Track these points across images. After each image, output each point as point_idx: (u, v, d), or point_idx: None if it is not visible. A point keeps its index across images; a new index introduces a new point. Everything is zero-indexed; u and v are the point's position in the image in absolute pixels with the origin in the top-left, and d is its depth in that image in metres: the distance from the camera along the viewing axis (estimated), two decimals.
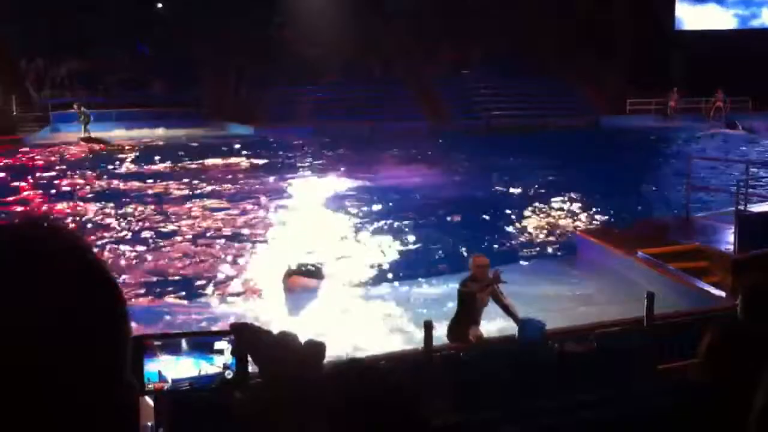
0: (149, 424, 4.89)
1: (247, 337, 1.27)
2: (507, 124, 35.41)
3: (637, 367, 7.75)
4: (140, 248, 15.31)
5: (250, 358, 1.31)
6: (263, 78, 36.88)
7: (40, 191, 21.24)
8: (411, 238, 16.18)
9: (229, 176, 23.61)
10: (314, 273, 12.99)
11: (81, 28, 35.11)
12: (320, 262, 13.58)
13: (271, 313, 11.56)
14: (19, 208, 19.16)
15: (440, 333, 8.58)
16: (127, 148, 29.69)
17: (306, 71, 36.97)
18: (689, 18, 44.11)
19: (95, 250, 0.85)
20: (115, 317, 0.82)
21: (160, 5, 40.86)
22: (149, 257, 14.87)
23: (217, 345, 1.46)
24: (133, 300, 11.64)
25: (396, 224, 17.26)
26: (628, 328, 8.44)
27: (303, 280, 12.76)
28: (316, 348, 1.25)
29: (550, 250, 15.66)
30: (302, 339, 1.26)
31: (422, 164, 24.95)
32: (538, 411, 6.75)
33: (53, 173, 24.09)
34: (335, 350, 9.02)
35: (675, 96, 38.81)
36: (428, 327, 7.57)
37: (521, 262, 14.67)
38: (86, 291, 0.80)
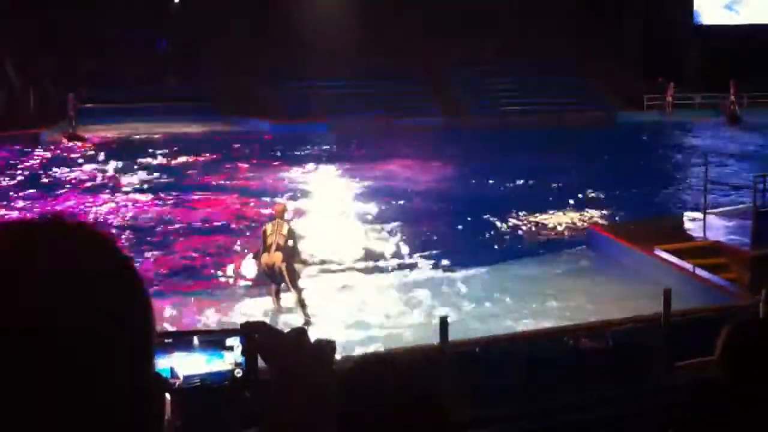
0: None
1: (257, 336, 1.26)
2: (522, 121, 35.27)
3: (654, 365, 7.72)
4: (144, 244, 15.34)
5: (260, 357, 1.30)
6: (277, 73, 36.86)
7: (48, 186, 21.34)
8: (427, 233, 16.13)
9: (239, 171, 23.59)
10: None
11: (96, 22, 35.16)
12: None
13: (282, 307, 11.54)
14: (30, 204, 19.30)
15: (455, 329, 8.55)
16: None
17: (320, 66, 36.91)
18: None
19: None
20: (144, 309, 0.83)
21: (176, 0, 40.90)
22: (155, 252, 14.89)
23: (228, 342, 1.46)
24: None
25: (411, 219, 17.21)
26: (645, 324, 8.40)
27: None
28: (327, 346, 1.24)
29: (565, 245, 15.57)
30: (312, 337, 1.25)
31: (437, 160, 24.88)
32: (555, 407, 6.73)
33: (62, 169, 24.16)
34: (345, 346, 9.01)
35: (671, 90, 38.54)
36: (444, 323, 7.56)
37: (536, 258, 14.61)
38: (117, 281, 0.81)
